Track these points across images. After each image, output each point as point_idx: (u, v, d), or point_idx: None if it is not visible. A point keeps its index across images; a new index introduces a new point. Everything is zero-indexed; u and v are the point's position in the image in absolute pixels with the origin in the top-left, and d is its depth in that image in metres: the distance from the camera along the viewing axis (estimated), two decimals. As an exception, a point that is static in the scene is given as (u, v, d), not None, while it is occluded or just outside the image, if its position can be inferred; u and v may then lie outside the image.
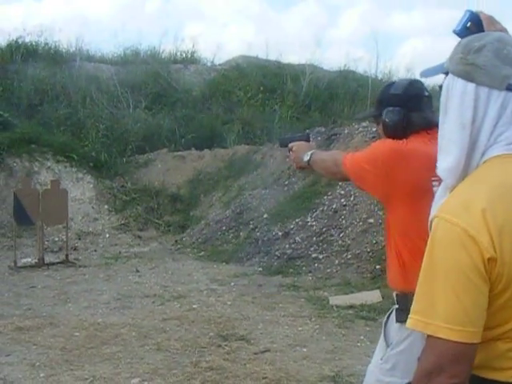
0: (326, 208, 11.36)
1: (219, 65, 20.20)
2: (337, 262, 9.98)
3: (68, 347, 6.50)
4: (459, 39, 2.41)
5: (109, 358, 6.18)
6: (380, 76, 21.10)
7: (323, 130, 14.12)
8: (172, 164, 15.41)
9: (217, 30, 36.63)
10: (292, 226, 11.34)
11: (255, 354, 6.28)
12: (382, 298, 8.26)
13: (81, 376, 5.71)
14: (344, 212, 11.00)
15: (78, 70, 17.02)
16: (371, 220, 10.44)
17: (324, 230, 10.88)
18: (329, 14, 45.18)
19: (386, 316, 3.07)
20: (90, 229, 13.59)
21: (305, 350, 6.42)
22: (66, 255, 11.27)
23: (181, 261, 11.28)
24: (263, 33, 40.93)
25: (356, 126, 13.44)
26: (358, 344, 6.61)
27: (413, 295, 2.91)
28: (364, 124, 13.47)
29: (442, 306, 1.61)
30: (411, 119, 2.99)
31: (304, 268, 10.15)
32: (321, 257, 10.30)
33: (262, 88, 18.01)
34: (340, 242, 10.41)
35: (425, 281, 1.68)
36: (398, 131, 3.01)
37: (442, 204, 1.74)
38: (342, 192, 11.46)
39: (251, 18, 41.20)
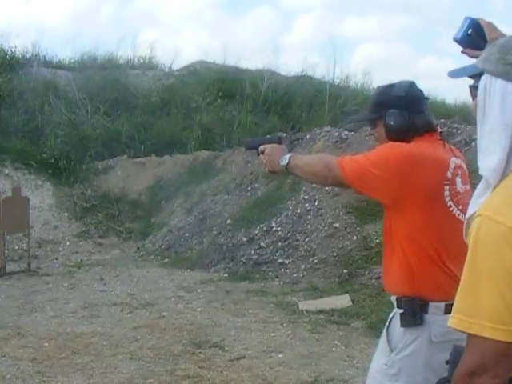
0: (290, 213, 11.35)
1: (177, 70, 20.11)
2: (303, 266, 9.97)
3: (38, 358, 6.37)
4: (458, 45, 2.42)
5: (81, 369, 6.08)
6: (337, 81, 21.27)
7: (284, 135, 14.12)
8: (132, 170, 15.27)
9: (172, 35, 36.55)
10: (256, 232, 11.30)
11: (230, 360, 6.24)
12: (352, 302, 8.29)
13: (55, 387, 5.61)
14: (309, 217, 11.01)
15: (35, 75, 16.76)
16: (336, 224, 10.47)
17: (289, 235, 10.87)
18: (283, 19, 45.50)
19: (388, 321, 3.02)
20: (51, 237, 13.36)
21: (280, 355, 6.40)
22: (28, 264, 11.08)
23: (145, 268, 11.17)
24: (218, 38, 41.01)
25: (318, 131, 13.50)
26: (333, 349, 6.60)
27: (420, 300, 2.90)
28: (326, 128, 13.55)
29: (487, 305, 1.61)
30: (415, 122, 2.96)
31: (270, 273, 10.13)
32: (287, 262, 10.28)
33: (220, 93, 17.96)
34: (306, 246, 10.41)
35: (468, 279, 1.67)
36: (402, 134, 2.96)
37: (484, 203, 1.74)
38: (306, 197, 11.47)
39: (206, 24, 41.17)
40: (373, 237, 9.82)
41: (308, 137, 13.41)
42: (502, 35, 2.23)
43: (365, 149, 11.89)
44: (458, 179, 2.93)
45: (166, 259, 11.74)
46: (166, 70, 19.98)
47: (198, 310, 8.25)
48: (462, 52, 2.36)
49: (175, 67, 20.39)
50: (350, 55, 47.36)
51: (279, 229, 11.13)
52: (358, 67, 26.74)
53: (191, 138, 16.11)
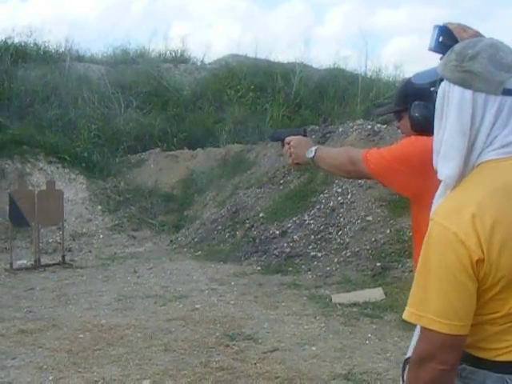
0: (323, 206, 11.33)
1: (209, 64, 20.15)
2: (336, 260, 9.95)
3: (74, 349, 6.43)
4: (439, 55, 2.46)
5: (116, 360, 6.12)
6: (369, 74, 21.16)
7: (317, 128, 14.11)
8: (165, 164, 15.35)
9: (204, 29, 36.61)
10: (289, 225, 11.30)
11: (264, 353, 6.24)
12: (385, 295, 8.26)
13: (90, 378, 5.65)
14: (341, 210, 10.98)
15: (68, 70, 16.90)
16: (369, 218, 10.43)
17: (322, 228, 10.85)
18: (315, 12, 45.36)
19: None
20: (84, 230, 13.50)
21: (313, 348, 6.39)
22: (63, 256, 11.19)
23: (178, 261, 11.22)
24: (250, 32, 40.99)
25: (350, 124, 13.44)
26: (367, 342, 6.58)
27: None
28: (359, 122, 13.49)
29: (434, 302, 1.78)
30: None
31: (303, 266, 10.12)
32: (320, 255, 10.27)
33: (252, 87, 17.97)
34: (338, 240, 10.39)
35: (419, 277, 1.84)
36: (428, 127, 2.94)
37: (437, 207, 1.90)
38: (339, 190, 11.44)
39: (237, 17, 41.23)
40: (406, 230, 9.75)
41: (340, 130, 13.35)
42: (475, 33, 2.31)
43: (397, 141, 11.84)
44: None
45: (199, 252, 11.78)
46: (198, 63, 20.04)
47: (232, 302, 8.27)
48: (440, 60, 2.39)
49: (207, 61, 20.44)
50: (381, 48, 47.06)
51: (312, 222, 11.11)
52: (390, 60, 26.65)
53: (223, 131, 16.14)
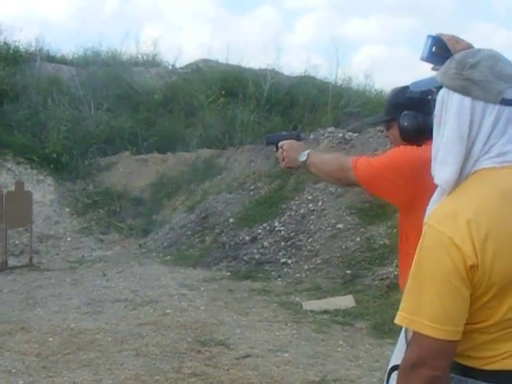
0: (293, 213, 11.35)
1: (180, 68, 20.07)
2: (306, 267, 9.98)
3: (43, 353, 6.36)
4: (429, 64, 2.51)
5: (87, 365, 6.07)
6: (340, 82, 21.23)
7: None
8: (134, 167, 15.25)
9: (175, 32, 36.50)
10: (259, 231, 11.31)
11: (236, 359, 6.24)
12: (356, 302, 8.30)
13: (61, 383, 5.60)
14: (312, 217, 11.01)
15: (38, 70, 16.72)
16: (340, 225, 10.47)
17: (292, 234, 10.87)
18: (285, 19, 45.43)
19: None
20: (52, 232, 13.34)
21: (286, 355, 6.40)
22: (30, 258, 11.07)
23: (147, 265, 11.14)
24: (220, 36, 40.90)
25: (321, 132, 13.50)
26: (339, 349, 6.61)
27: None
28: (330, 129, 13.55)
29: (427, 306, 1.79)
30: (429, 123, 2.98)
31: (273, 273, 10.13)
32: (290, 262, 10.29)
33: (223, 92, 17.91)
34: (309, 247, 10.41)
35: (413, 282, 1.85)
36: (417, 136, 2.98)
37: (432, 211, 1.94)
38: (310, 197, 11.47)
39: (208, 22, 41.14)
40: (376, 238, 9.83)
41: (312, 137, 13.38)
42: (468, 45, 2.37)
43: (368, 150, 11.92)
44: None
45: (168, 257, 11.72)
46: (170, 67, 19.94)
47: (202, 308, 8.24)
48: (432, 69, 2.47)
49: (178, 65, 20.35)
50: (351, 56, 47.35)
51: (282, 228, 11.13)
52: (360, 68, 26.82)
53: (194, 135, 16.08)
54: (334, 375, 5.76)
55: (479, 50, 1.95)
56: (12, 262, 11.08)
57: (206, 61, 20.31)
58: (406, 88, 3.08)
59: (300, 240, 10.68)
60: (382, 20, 46.95)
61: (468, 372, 1.89)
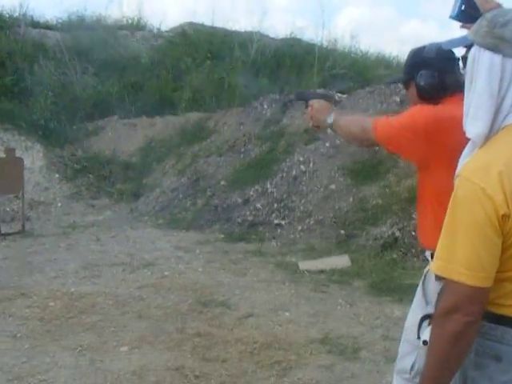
0: (285, 175, 11.38)
1: (165, 31, 19.89)
2: (300, 228, 10.04)
3: (46, 318, 6.39)
4: (457, 22, 2.55)
5: (91, 328, 6.11)
6: (325, 44, 21.14)
7: (277, 97, 14.11)
8: (123, 131, 15.18)
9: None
10: (251, 193, 11.34)
11: (239, 319, 6.32)
12: (351, 262, 8.39)
13: (67, 346, 5.64)
14: (304, 178, 11.05)
15: (23, 36, 16.51)
16: (332, 186, 10.53)
17: (284, 196, 10.91)
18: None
19: (423, 275, 3.13)
20: (42, 198, 13.30)
21: (287, 314, 6.48)
22: (23, 225, 11.05)
23: (140, 229, 11.16)
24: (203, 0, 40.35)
25: (311, 93, 13.47)
26: (338, 307, 6.70)
27: None
28: (319, 91, 13.52)
29: (461, 254, 1.89)
30: (446, 82, 3.03)
31: (267, 234, 10.19)
32: (283, 223, 10.35)
33: (209, 55, 17.81)
34: (302, 208, 10.47)
35: (447, 231, 1.97)
36: (433, 94, 3.04)
37: (465, 164, 2.00)
38: (301, 158, 11.50)
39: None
40: (369, 198, 9.90)
41: (301, 99, 13.38)
42: (497, 5, 2.42)
43: (358, 111, 11.94)
44: None
45: (161, 220, 11.74)
46: (155, 31, 19.76)
47: (200, 269, 8.30)
48: (461, 27, 2.52)
49: (163, 28, 20.17)
50: (336, 18, 47.08)
51: (274, 190, 11.16)
52: (346, 30, 26.66)
53: (182, 99, 16.00)
54: (337, 333, 5.85)
55: (510, 10, 2.01)
56: (4, 228, 11.04)
57: (191, 24, 20.12)
58: (422, 48, 3.13)
59: (293, 201, 10.73)
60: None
61: (498, 319, 1.97)
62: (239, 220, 10.79)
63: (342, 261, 8.42)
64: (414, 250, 8.34)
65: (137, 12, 20.22)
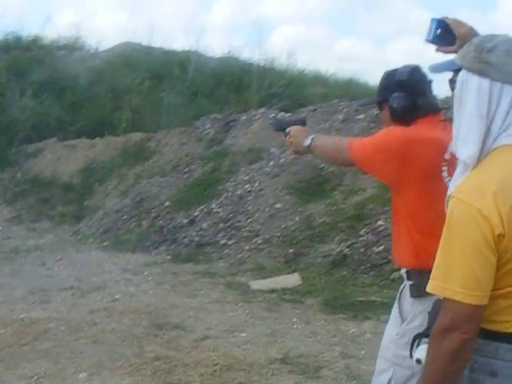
0: (230, 194, 11.42)
1: (103, 51, 19.79)
2: (247, 247, 10.06)
3: (-2, 346, 6.26)
4: (433, 46, 2.68)
5: (46, 355, 6.00)
6: (262, 63, 21.29)
7: (219, 116, 14.17)
8: (62, 153, 15.02)
9: (92, 15, 35.80)
10: (197, 214, 11.33)
11: (195, 341, 6.28)
12: (302, 280, 8.44)
13: (23, 374, 5.53)
14: (249, 198, 11.10)
15: (-42, 56, 16.26)
16: (278, 205, 10.60)
17: (230, 216, 10.94)
18: (202, 0, 45.19)
19: (399, 292, 3.21)
20: (-19, 222, 13.07)
21: (243, 334, 6.48)
22: (-37, 250, 10.82)
23: (85, 252, 11.03)
24: (139, 19, 40.22)
25: (253, 113, 13.60)
26: (294, 326, 6.72)
27: (426, 272, 3.11)
28: (261, 110, 13.66)
29: (458, 274, 1.94)
30: (418, 104, 3.12)
31: (214, 254, 10.17)
32: (230, 243, 10.35)
33: (148, 75, 17.80)
34: (248, 227, 10.50)
35: (443, 252, 2.01)
36: (405, 116, 3.13)
37: (458, 186, 2.05)
38: (246, 178, 11.57)
39: (123, 4, 40.49)
40: (315, 216, 9.99)
41: (244, 118, 13.48)
42: (470, 28, 2.58)
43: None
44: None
45: (106, 242, 11.62)
46: (92, 51, 19.65)
47: (150, 292, 8.24)
48: (436, 50, 2.68)
49: (101, 48, 20.07)
50: (271, 37, 47.55)
51: (220, 210, 11.18)
52: (283, 49, 26.88)
53: (121, 119, 15.92)
54: (296, 352, 5.88)
55: (496, 36, 2.10)
56: None
57: (128, 44, 20.10)
58: (395, 71, 3.22)
59: (239, 221, 10.76)
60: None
61: (491, 336, 2.03)
62: (186, 241, 10.77)
63: (292, 279, 8.47)
64: (363, 267, 8.46)
65: (74, 32, 20.06)
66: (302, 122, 3.55)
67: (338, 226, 9.52)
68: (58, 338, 6.44)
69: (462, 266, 1.94)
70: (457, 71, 2.13)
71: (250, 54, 23.49)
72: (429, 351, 2.05)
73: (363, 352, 5.85)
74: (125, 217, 12.34)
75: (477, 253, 1.93)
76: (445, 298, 1.98)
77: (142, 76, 17.69)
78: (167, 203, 12.06)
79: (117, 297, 7.98)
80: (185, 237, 10.87)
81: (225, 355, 5.83)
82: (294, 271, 8.86)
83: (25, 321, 7.02)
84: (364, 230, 9.19)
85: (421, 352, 2.20)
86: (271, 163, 11.58)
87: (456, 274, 1.94)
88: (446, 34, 2.54)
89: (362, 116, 11.43)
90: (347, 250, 8.94)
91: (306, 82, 20.59)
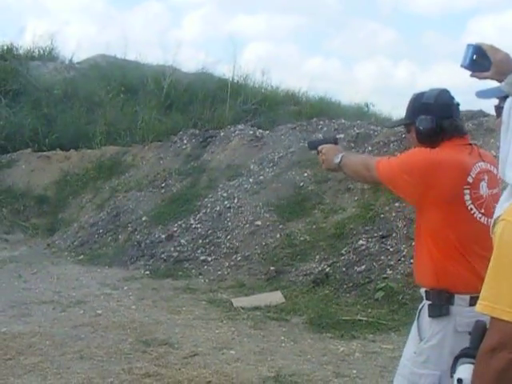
0: (209, 210, 11.39)
1: (78, 63, 19.65)
2: (227, 264, 10.03)
3: (-18, 360, 6.15)
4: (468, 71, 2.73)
5: (32, 370, 5.90)
6: (236, 79, 21.34)
7: (197, 132, 14.16)
8: (37, 164, 14.84)
9: (63, 27, 35.60)
10: (175, 229, 11.27)
11: (185, 358, 6.24)
12: (284, 298, 8.44)
13: (12, 389, 5.44)
14: (229, 214, 11.08)
15: None
16: (258, 222, 10.59)
17: (210, 232, 10.90)
18: (173, 15, 45.18)
19: (418, 311, 3.26)
20: (-47, 233, 12.84)
21: (232, 352, 6.45)
22: None
23: (61, 265, 10.89)
24: (110, 32, 40.05)
25: (232, 129, 13.61)
26: (283, 344, 6.71)
27: (446, 292, 3.15)
28: (240, 127, 13.67)
29: (508, 294, 1.94)
30: (443, 126, 3.19)
31: (193, 271, 10.12)
32: (209, 259, 10.31)
33: (123, 88, 17.73)
34: (228, 244, 10.47)
35: (493, 272, 2.01)
36: (431, 138, 3.20)
37: (508, 209, 2.06)
38: (225, 194, 11.55)
39: (95, 16, 40.35)
40: (296, 234, 10.01)
41: (222, 134, 13.48)
42: (506, 54, 2.61)
43: (281, 147, 12.11)
44: (483, 183, 3.17)
45: (81, 256, 11.49)
46: (67, 62, 19.49)
47: (133, 307, 8.17)
48: (471, 76, 2.70)
49: (76, 60, 19.91)
50: (242, 54, 47.76)
51: (199, 226, 11.14)
52: (255, 65, 26.95)
53: (96, 132, 15.79)
54: (288, 370, 5.86)
55: None
56: None
57: (103, 56, 20.00)
58: (422, 94, 3.28)
59: (218, 237, 10.72)
60: (267, 17, 47.53)
61: None
62: (164, 256, 10.69)
63: (275, 297, 8.46)
64: (345, 286, 8.48)
65: (49, 42, 19.88)
66: (334, 141, 3.64)
67: (319, 245, 9.55)
68: (43, 353, 6.35)
69: (510, 286, 1.96)
70: (503, 98, 2.17)
71: (224, 70, 23.43)
72: (475, 370, 2.06)
73: (355, 371, 5.86)
74: (101, 230, 12.23)
75: None
76: (493, 318, 1.99)
77: (117, 89, 17.60)
78: (144, 218, 11.99)
79: (99, 312, 7.91)
80: (163, 252, 10.80)
81: (216, 373, 5.80)
82: (275, 289, 8.86)
83: (7, 335, 6.93)
84: (345, 249, 9.23)
85: (462, 372, 2.20)
86: (251, 180, 11.58)
87: (505, 293, 1.95)
88: (481, 60, 2.58)
89: (341, 135, 11.50)
90: (328, 268, 8.96)
91: (279, 100, 20.68)
